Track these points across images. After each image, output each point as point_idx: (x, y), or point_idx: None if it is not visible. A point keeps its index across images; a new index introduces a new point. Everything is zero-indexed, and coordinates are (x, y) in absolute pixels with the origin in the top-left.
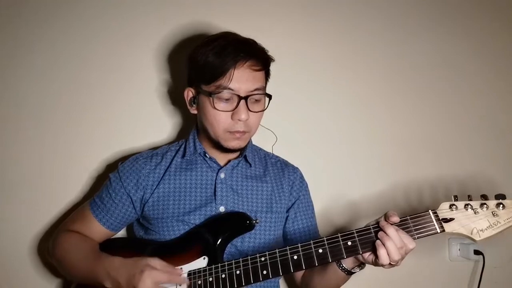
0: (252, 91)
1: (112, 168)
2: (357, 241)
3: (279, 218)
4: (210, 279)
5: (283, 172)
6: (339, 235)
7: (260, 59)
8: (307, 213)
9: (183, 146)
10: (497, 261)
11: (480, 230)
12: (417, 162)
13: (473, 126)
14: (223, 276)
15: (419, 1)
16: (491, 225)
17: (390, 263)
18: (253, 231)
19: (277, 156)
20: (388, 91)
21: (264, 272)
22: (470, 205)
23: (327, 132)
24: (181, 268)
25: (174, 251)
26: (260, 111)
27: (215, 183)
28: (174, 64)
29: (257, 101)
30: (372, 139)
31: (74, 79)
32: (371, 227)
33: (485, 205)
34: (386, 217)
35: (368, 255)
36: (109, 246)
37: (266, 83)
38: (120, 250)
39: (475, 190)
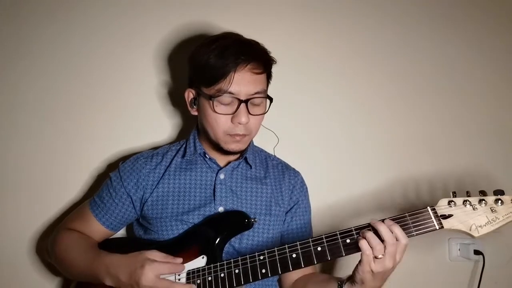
0: (252, 94)
1: (113, 168)
2: (356, 239)
3: (278, 221)
4: (209, 278)
5: (283, 175)
6: (337, 232)
7: (261, 61)
8: (303, 217)
9: (183, 146)
10: (497, 261)
11: (479, 226)
12: (415, 159)
13: (471, 122)
14: (222, 275)
15: (419, 1)
16: (489, 221)
17: (375, 257)
18: (251, 232)
19: (278, 159)
20: (387, 89)
21: (263, 270)
22: (468, 201)
23: (328, 132)
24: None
25: (173, 251)
26: (261, 114)
27: (215, 183)
28: (175, 64)
29: (257, 104)
30: (371, 136)
31: (74, 79)
32: (369, 223)
33: (483, 201)
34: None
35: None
36: (108, 246)
37: (267, 86)
38: (120, 250)
39: (473, 186)
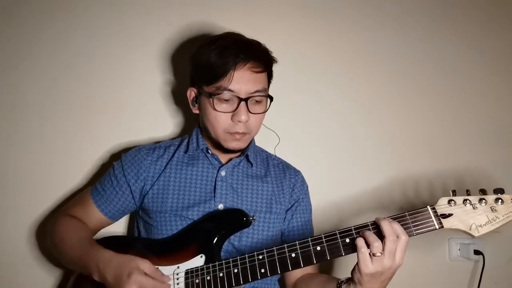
0: (252, 92)
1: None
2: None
3: (278, 219)
4: (208, 277)
5: (284, 174)
6: (337, 232)
7: (261, 60)
8: (304, 215)
9: (186, 141)
10: (497, 261)
11: (479, 226)
12: (415, 158)
13: (471, 122)
14: (221, 274)
15: (419, 1)
16: (489, 221)
17: (373, 254)
18: (251, 229)
19: (279, 158)
20: (387, 89)
21: (262, 270)
22: (468, 200)
23: (328, 132)
24: (178, 266)
25: (171, 250)
26: (261, 113)
27: (216, 180)
28: (178, 63)
29: (258, 102)
30: (371, 136)
31: (76, 79)
32: (369, 223)
33: (483, 200)
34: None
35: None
36: (108, 244)
37: (268, 85)
38: (118, 248)
39: (473, 185)
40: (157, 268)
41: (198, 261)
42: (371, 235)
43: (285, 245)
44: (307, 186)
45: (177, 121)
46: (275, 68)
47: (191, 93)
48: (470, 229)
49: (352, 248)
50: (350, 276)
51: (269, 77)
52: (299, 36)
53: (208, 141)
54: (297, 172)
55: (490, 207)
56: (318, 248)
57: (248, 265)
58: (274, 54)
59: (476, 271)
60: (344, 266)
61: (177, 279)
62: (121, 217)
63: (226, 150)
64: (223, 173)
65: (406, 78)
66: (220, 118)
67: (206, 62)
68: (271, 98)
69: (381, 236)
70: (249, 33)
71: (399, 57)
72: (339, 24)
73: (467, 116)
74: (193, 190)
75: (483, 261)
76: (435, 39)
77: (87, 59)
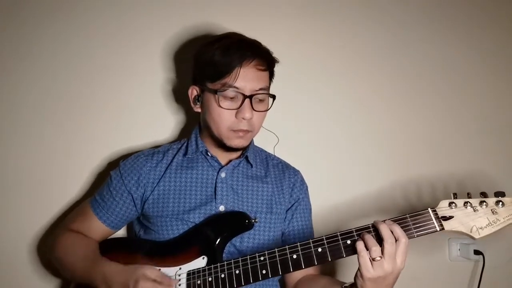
0: (257, 90)
1: (114, 166)
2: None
3: (279, 219)
4: (210, 279)
5: (284, 174)
6: (338, 233)
7: (265, 59)
8: (304, 215)
9: (185, 144)
10: (497, 261)
11: (480, 228)
12: (416, 160)
13: (472, 123)
14: (223, 276)
15: (419, 1)
16: (490, 223)
17: (373, 259)
18: (252, 231)
19: (278, 158)
20: (388, 90)
21: (264, 271)
22: (469, 203)
23: (328, 132)
24: (180, 268)
25: (173, 251)
26: (264, 111)
27: (216, 182)
28: (179, 62)
29: (261, 100)
30: (372, 138)
31: (76, 79)
32: (370, 225)
33: (484, 203)
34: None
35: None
36: (109, 246)
37: (270, 84)
38: (120, 250)
39: (474, 188)
40: (160, 269)
41: (200, 262)
42: (370, 239)
43: (287, 246)
44: (306, 186)
45: (178, 119)
46: (276, 67)
47: (193, 91)
48: (471, 231)
49: (353, 250)
50: (353, 281)
51: (271, 76)
52: (299, 36)
53: (209, 141)
54: (296, 172)
55: (491, 210)
56: (320, 249)
57: (249, 266)
58: (274, 54)
59: (476, 271)
60: (345, 268)
61: (179, 280)
62: (124, 225)
63: (228, 149)
64: (223, 174)
65: (406, 78)
66: (224, 115)
67: (211, 60)
68: (274, 97)
69: (381, 239)
70: (250, 33)
71: (399, 57)
72: (339, 24)
73: (468, 117)
74: (193, 193)
75: (483, 261)
76: (435, 39)
77: (87, 58)
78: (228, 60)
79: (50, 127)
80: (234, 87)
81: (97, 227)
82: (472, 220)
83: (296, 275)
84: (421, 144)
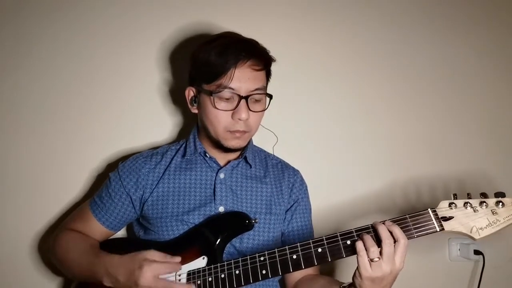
0: (252, 90)
1: (113, 167)
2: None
3: (278, 220)
4: (210, 279)
5: (283, 174)
6: (338, 234)
7: (261, 59)
8: (304, 216)
9: (183, 145)
10: (497, 261)
11: (480, 229)
12: (416, 160)
13: (473, 123)
14: (223, 276)
15: (419, 1)
16: (490, 224)
17: (371, 260)
18: (252, 231)
19: (278, 158)
20: (387, 90)
21: (264, 272)
22: (469, 203)
23: (328, 132)
24: (180, 268)
25: (174, 251)
26: (261, 111)
27: (215, 183)
28: (176, 63)
29: (257, 101)
30: (371, 138)
31: (75, 78)
32: (370, 225)
33: (484, 203)
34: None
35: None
36: (109, 247)
37: (267, 83)
38: (120, 250)
39: (474, 188)
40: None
41: (200, 262)
42: (368, 240)
43: (286, 247)
44: (306, 186)
45: (175, 120)
46: (275, 67)
47: (190, 92)
48: (471, 232)
49: (352, 250)
50: (351, 281)
51: (268, 75)
52: (299, 36)
53: (207, 142)
54: (295, 172)
55: (491, 210)
56: (319, 249)
57: (249, 266)
58: (273, 54)
59: (476, 271)
60: (345, 269)
61: (179, 280)
62: (123, 227)
63: (226, 150)
64: (222, 175)
65: (406, 78)
66: (221, 116)
67: (207, 61)
68: (271, 97)
69: (380, 240)
70: (249, 33)
71: (399, 57)
72: (339, 24)
73: (468, 117)
74: (192, 194)
75: (483, 261)
76: (435, 39)
77: (86, 60)
78: (223, 60)
79: (49, 128)
80: (230, 88)
81: (96, 229)
82: (472, 220)
83: (295, 275)
84: (421, 144)
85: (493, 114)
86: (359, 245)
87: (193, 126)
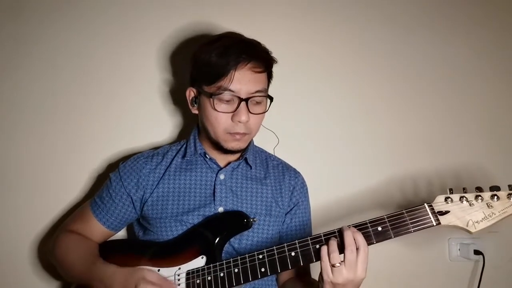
0: (253, 93)
1: (113, 167)
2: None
3: (277, 221)
4: (209, 278)
5: (283, 175)
6: (335, 230)
7: (262, 60)
8: (303, 219)
9: (184, 146)
10: (497, 261)
11: (476, 222)
12: (413, 157)
13: (467, 120)
14: (222, 274)
15: (419, 1)
16: (486, 217)
17: (333, 265)
18: (251, 232)
19: (279, 159)
20: (387, 90)
21: (263, 269)
22: (465, 197)
23: (328, 132)
24: (179, 268)
25: (172, 251)
26: (261, 113)
27: (215, 184)
28: (176, 63)
29: (258, 103)
30: (370, 135)
31: (75, 79)
32: (367, 221)
33: (480, 197)
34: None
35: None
36: (108, 248)
37: (268, 85)
38: (119, 251)
39: (470, 183)
40: (159, 270)
41: (199, 262)
42: (332, 245)
43: (285, 244)
44: (306, 189)
45: (176, 120)
46: (275, 68)
47: (190, 93)
48: (467, 226)
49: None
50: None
51: (269, 77)
52: (299, 36)
53: (207, 143)
54: (297, 174)
55: (486, 204)
56: (318, 246)
57: (248, 264)
58: (273, 54)
59: (476, 271)
60: None
61: (179, 280)
62: (124, 227)
63: (226, 151)
64: (222, 176)
65: (406, 78)
66: (221, 118)
67: (207, 62)
68: (271, 99)
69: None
70: (249, 33)
71: (399, 57)
72: (339, 24)
73: (464, 114)
74: (192, 195)
75: (483, 261)
76: (435, 39)
77: (86, 60)
78: (223, 62)
79: (49, 128)
80: (230, 90)
81: (97, 229)
82: (468, 214)
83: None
84: (418, 141)
85: (489, 110)
86: (323, 250)
87: (193, 127)
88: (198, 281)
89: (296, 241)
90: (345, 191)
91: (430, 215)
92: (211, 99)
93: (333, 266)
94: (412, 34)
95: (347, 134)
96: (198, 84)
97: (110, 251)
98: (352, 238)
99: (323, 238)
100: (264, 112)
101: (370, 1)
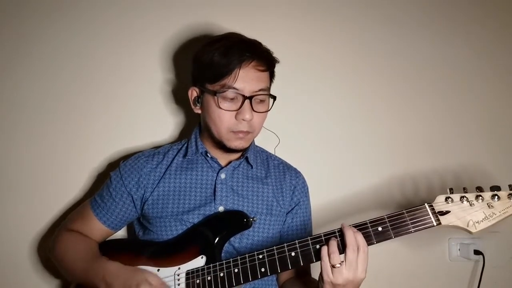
0: (256, 91)
1: (114, 167)
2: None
3: (278, 221)
4: (209, 278)
5: (284, 175)
6: (336, 230)
7: (265, 59)
8: (304, 218)
9: (185, 145)
10: (497, 261)
11: (476, 222)
12: (413, 157)
13: (468, 120)
14: (222, 274)
15: (419, 1)
16: (486, 217)
17: (333, 266)
18: (251, 231)
19: (279, 159)
20: (387, 90)
21: (262, 269)
22: (465, 197)
23: (328, 132)
24: (179, 267)
25: (172, 251)
26: (264, 112)
27: (215, 183)
28: (178, 63)
29: (261, 101)
30: (370, 135)
31: (77, 78)
32: (367, 221)
33: (480, 197)
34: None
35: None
36: (109, 247)
37: (270, 84)
38: (119, 251)
39: (470, 183)
40: (159, 270)
41: (199, 261)
42: (332, 245)
43: (285, 244)
44: (307, 188)
45: (177, 120)
46: (277, 68)
47: (193, 92)
48: (468, 226)
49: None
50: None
51: (271, 77)
52: (299, 36)
53: (208, 143)
54: (298, 174)
55: (487, 204)
56: (318, 246)
57: (248, 264)
58: (274, 54)
59: (476, 271)
60: None
61: (178, 279)
62: (124, 226)
63: (228, 150)
64: (222, 175)
65: (406, 78)
66: (224, 116)
67: (211, 61)
68: (274, 98)
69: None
70: (250, 33)
71: (399, 57)
72: (339, 24)
73: (464, 114)
74: (193, 194)
75: (483, 261)
76: (435, 39)
77: (87, 59)
78: (227, 61)
79: (49, 128)
80: (234, 88)
81: (97, 228)
82: (468, 214)
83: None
84: (419, 141)
85: (489, 110)
86: (324, 250)
87: (195, 126)
88: (198, 281)
89: (296, 241)
90: (345, 191)
91: (431, 215)
92: (215, 97)
93: (333, 266)
94: (412, 34)
95: (347, 134)
96: (201, 83)
97: (110, 250)
98: (354, 237)
99: (323, 238)
100: (267, 111)
101: (370, 1)
